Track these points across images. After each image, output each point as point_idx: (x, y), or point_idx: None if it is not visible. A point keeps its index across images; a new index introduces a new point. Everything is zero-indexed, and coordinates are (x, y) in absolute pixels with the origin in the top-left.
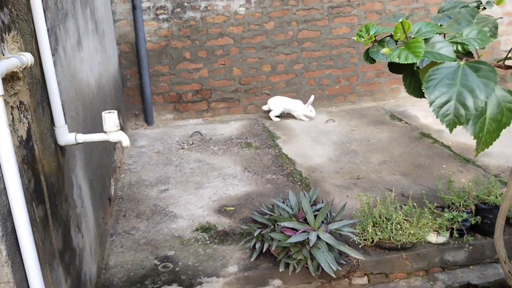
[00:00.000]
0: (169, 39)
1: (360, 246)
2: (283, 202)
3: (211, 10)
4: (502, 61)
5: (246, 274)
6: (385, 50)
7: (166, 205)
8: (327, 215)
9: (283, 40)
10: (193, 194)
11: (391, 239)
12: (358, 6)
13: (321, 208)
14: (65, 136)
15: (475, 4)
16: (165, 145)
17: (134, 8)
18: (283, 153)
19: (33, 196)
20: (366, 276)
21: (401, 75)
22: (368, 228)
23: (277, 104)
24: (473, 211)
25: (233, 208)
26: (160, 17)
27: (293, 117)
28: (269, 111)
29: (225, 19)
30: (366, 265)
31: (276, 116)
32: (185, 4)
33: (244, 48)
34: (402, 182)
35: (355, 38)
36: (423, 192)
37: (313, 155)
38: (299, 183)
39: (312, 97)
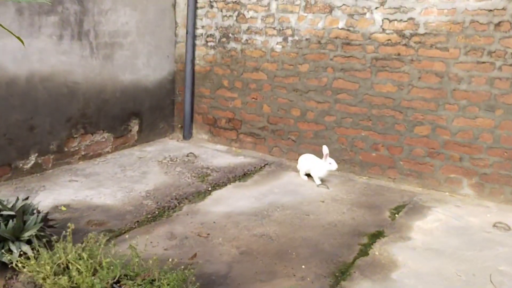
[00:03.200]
0: (213, 65)
1: None
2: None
3: (250, 44)
4: None
5: None
6: None
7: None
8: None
9: (315, 86)
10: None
11: None
12: (410, 62)
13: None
14: None
15: None
16: (160, 155)
17: (186, 32)
18: (208, 193)
19: None
20: None
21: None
22: None
23: (301, 163)
24: None
25: (65, 209)
26: (209, 44)
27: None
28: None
29: (262, 54)
30: None
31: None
32: (230, 35)
33: (276, 86)
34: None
35: None
36: None
37: (234, 203)
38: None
39: (325, 147)
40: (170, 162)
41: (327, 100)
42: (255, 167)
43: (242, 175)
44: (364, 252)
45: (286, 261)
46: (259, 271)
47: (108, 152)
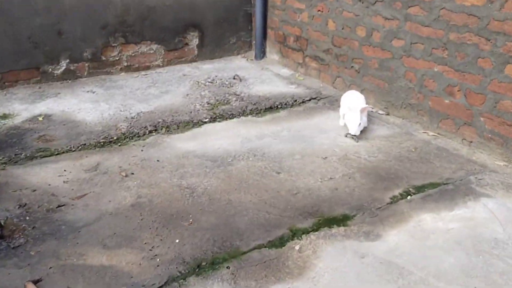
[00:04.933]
0: None
1: None
2: None
3: None
4: None
5: None
6: None
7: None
8: None
9: None
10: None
11: None
12: None
13: None
14: None
15: None
16: (207, 74)
17: None
18: (199, 124)
19: None
20: None
21: None
22: None
23: (341, 105)
24: None
25: (41, 119)
26: None
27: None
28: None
29: None
30: None
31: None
32: None
33: None
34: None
35: None
36: None
37: (210, 142)
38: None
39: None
40: (207, 83)
41: (396, 16)
42: (295, 101)
43: (267, 108)
44: (279, 242)
45: (169, 227)
46: (121, 233)
47: (158, 66)
